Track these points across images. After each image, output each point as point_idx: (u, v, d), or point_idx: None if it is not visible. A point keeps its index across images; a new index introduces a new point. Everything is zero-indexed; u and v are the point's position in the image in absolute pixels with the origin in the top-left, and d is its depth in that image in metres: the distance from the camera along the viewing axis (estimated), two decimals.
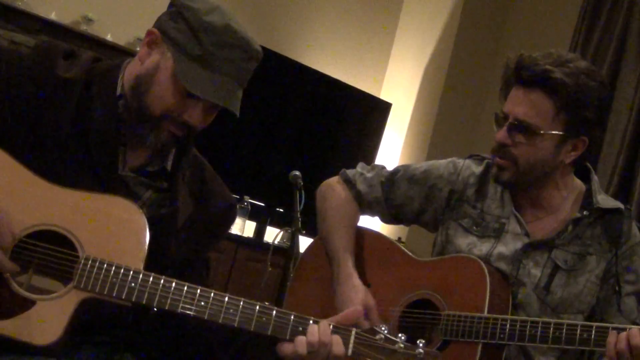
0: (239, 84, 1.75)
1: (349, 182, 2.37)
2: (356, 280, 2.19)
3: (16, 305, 1.56)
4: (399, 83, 5.77)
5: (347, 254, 2.25)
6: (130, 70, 1.76)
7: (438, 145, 5.40)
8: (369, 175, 2.37)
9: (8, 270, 1.57)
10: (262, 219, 5.04)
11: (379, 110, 5.56)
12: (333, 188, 2.39)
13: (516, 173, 2.11)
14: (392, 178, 2.34)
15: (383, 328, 1.64)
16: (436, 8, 5.65)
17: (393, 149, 5.61)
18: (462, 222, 2.25)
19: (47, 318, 1.55)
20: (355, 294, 2.15)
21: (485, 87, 5.53)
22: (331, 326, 1.63)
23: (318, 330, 1.61)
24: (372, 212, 2.40)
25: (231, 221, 1.97)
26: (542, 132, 2.05)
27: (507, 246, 2.17)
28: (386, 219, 2.40)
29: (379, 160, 5.47)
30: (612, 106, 4.38)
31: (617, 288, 2.10)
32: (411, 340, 1.64)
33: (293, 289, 2.46)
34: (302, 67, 5.30)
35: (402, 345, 1.62)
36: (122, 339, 1.75)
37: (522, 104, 2.07)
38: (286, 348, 1.64)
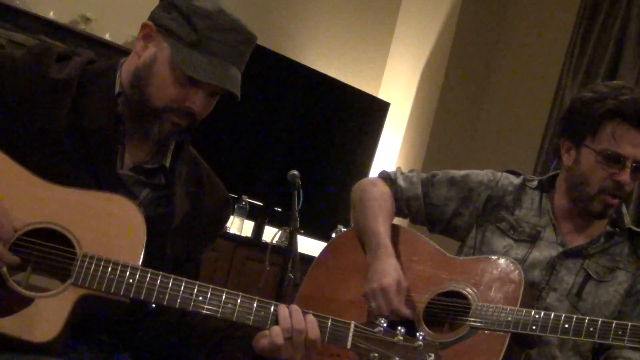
0: (237, 67, 1.75)
1: (389, 179, 2.46)
2: (394, 259, 2.25)
3: (14, 303, 1.55)
4: (398, 83, 5.77)
5: (386, 235, 2.32)
6: (128, 66, 1.77)
7: (436, 145, 5.40)
8: (409, 174, 2.47)
9: (8, 262, 1.56)
10: (260, 219, 5.03)
11: (377, 109, 5.55)
12: (374, 183, 2.47)
13: (621, 205, 2.26)
14: (431, 179, 2.43)
15: (382, 321, 1.65)
16: (434, 7, 5.65)
17: (391, 149, 5.60)
18: (500, 225, 2.33)
19: (46, 315, 1.55)
20: (392, 270, 2.21)
21: (484, 87, 5.54)
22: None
23: (290, 316, 1.62)
24: (407, 210, 2.46)
25: (226, 219, 1.98)
26: None
27: (542, 252, 2.26)
28: (419, 219, 2.47)
29: (377, 159, 5.47)
30: None
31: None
32: (412, 331, 1.65)
33: (312, 277, 2.48)
34: (300, 66, 5.30)
35: (401, 338, 1.63)
36: (120, 339, 1.76)
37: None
38: (262, 343, 1.65)
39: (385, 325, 1.64)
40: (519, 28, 5.47)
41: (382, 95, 5.78)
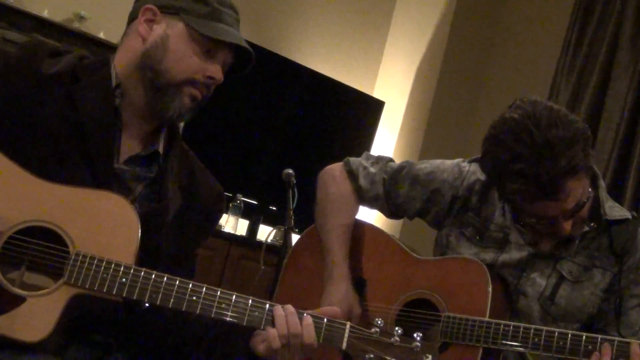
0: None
1: (352, 174, 2.34)
2: (345, 284, 2.18)
3: (6, 303, 1.55)
4: (392, 81, 5.77)
5: (340, 252, 2.24)
6: (128, 54, 1.77)
7: (431, 144, 5.40)
8: (372, 170, 2.34)
9: None
10: (255, 217, 5.03)
11: (371, 108, 5.56)
12: (335, 178, 2.36)
13: (583, 222, 2.11)
14: (395, 176, 2.31)
15: (379, 322, 1.63)
16: (429, 6, 5.65)
17: (386, 148, 5.60)
18: (465, 232, 2.24)
19: (38, 314, 1.54)
20: (342, 297, 2.15)
21: (478, 86, 5.54)
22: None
23: (286, 321, 1.61)
24: (371, 207, 2.39)
25: (220, 213, 1.97)
26: (588, 194, 2.04)
27: (512, 255, 2.16)
28: (386, 215, 2.38)
29: None
30: (605, 104, 4.39)
31: (619, 303, 2.10)
32: (407, 334, 1.63)
33: (285, 279, 2.44)
34: (295, 65, 5.30)
35: (397, 339, 1.61)
36: (115, 339, 1.75)
37: (567, 200, 1.98)
38: (260, 348, 1.64)
39: (381, 325, 1.63)
40: (513, 27, 5.47)
41: (376, 94, 5.78)
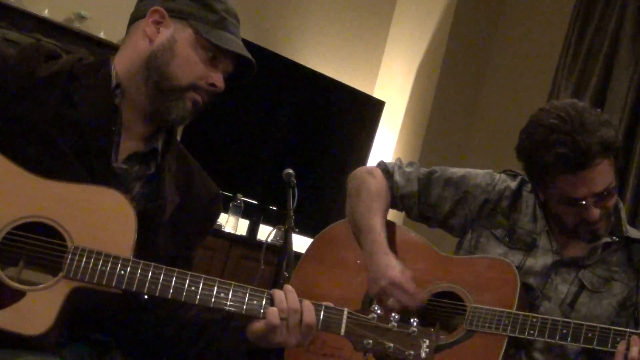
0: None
1: (387, 172, 2.44)
2: (391, 255, 2.24)
3: (6, 297, 1.55)
4: (393, 81, 5.77)
5: (382, 231, 2.31)
6: (132, 53, 1.78)
7: (431, 144, 5.40)
8: (407, 169, 2.44)
9: None
10: (255, 217, 5.04)
11: (372, 108, 5.56)
12: (372, 173, 2.45)
13: (609, 220, 2.19)
14: (429, 176, 2.41)
15: (376, 307, 1.64)
16: (429, 6, 5.66)
17: (386, 147, 5.60)
18: (495, 232, 2.31)
19: (37, 308, 1.54)
20: (394, 263, 2.22)
21: (479, 86, 5.54)
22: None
23: (285, 296, 1.62)
24: (402, 206, 2.45)
25: (216, 214, 1.98)
26: (615, 183, 2.14)
27: (537, 260, 2.24)
28: (414, 216, 2.45)
29: (372, 158, 5.47)
30: (605, 104, 4.40)
31: (635, 315, 2.19)
32: (404, 320, 1.64)
33: (302, 271, 2.47)
34: (295, 65, 5.30)
35: (395, 324, 1.62)
36: (114, 337, 1.75)
37: (596, 181, 2.09)
38: (257, 326, 1.63)
39: (378, 312, 1.64)
40: (514, 26, 5.47)
41: (377, 93, 5.78)
